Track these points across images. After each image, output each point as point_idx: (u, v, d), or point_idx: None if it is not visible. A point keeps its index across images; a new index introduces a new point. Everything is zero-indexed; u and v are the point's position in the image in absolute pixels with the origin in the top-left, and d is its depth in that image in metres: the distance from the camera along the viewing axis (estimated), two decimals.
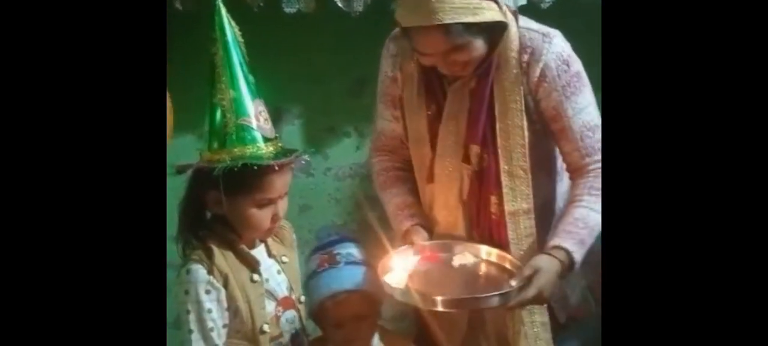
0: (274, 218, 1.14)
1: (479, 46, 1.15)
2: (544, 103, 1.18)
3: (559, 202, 1.30)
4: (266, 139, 1.11)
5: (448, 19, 1.07)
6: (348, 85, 1.99)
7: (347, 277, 1.22)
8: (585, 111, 1.18)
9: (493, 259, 1.23)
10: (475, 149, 1.21)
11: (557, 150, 1.27)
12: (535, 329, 1.23)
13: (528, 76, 1.17)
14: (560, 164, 1.29)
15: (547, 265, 1.12)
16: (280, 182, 1.13)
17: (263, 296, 1.15)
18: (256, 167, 1.07)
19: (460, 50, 1.13)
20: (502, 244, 1.24)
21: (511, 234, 1.22)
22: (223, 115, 1.09)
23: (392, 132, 1.34)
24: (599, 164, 1.16)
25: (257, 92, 1.13)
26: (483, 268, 1.22)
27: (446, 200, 1.27)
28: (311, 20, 1.82)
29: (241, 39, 1.13)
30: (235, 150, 1.08)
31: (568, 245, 1.13)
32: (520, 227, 1.22)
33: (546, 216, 1.26)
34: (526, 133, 1.18)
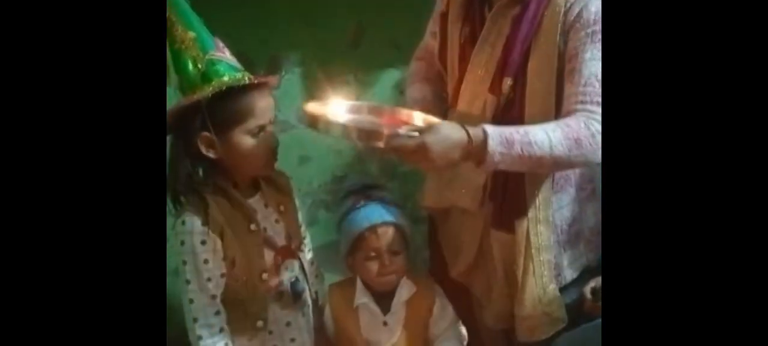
0: (270, 146, 1.15)
1: None
2: (571, 40, 1.15)
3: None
4: (238, 69, 1.13)
5: None
6: (348, 34, 1.95)
7: (385, 211, 1.28)
8: (599, 62, 1.13)
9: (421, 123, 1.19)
10: (507, 81, 1.18)
11: None
12: (542, 269, 1.22)
13: (566, 16, 1.15)
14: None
15: (448, 128, 1.06)
16: (264, 105, 1.14)
17: (261, 245, 1.15)
18: (238, 90, 1.09)
19: None
20: (517, 184, 1.21)
21: (527, 178, 1.20)
22: (191, 56, 1.10)
23: (432, 47, 1.35)
24: (588, 115, 1.10)
25: (212, 33, 1.15)
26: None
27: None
28: None
29: None
30: (213, 82, 1.09)
31: (489, 128, 1.07)
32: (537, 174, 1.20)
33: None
34: (554, 76, 1.16)
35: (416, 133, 1.05)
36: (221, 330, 1.14)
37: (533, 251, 1.21)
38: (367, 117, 1.19)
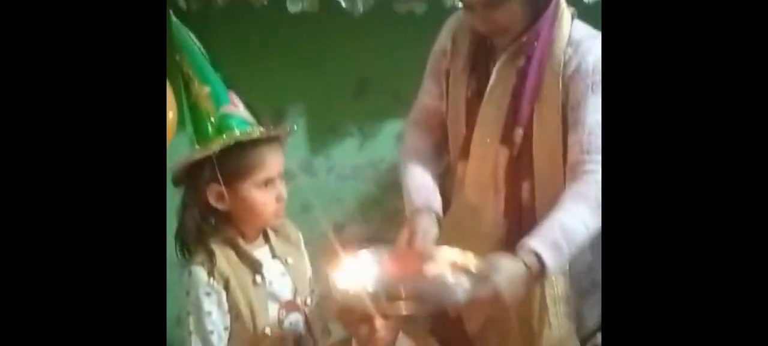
0: (278, 198, 1.16)
1: (517, 9, 1.17)
2: (572, 91, 1.18)
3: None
4: (250, 123, 1.15)
5: None
6: (351, 84, 1.99)
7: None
8: (600, 112, 1.14)
9: (460, 262, 1.14)
10: (519, 132, 1.20)
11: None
12: (559, 319, 1.22)
13: (565, 70, 1.18)
14: None
15: (507, 265, 1.06)
16: (274, 159, 1.15)
17: (266, 298, 1.15)
18: (249, 144, 1.10)
19: (498, 6, 1.16)
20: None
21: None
22: (205, 110, 1.12)
23: (434, 108, 1.35)
24: (593, 167, 1.12)
25: (228, 85, 1.17)
26: (450, 274, 1.13)
27: (480, 179, 1.26)
28: (315, 20, 1.83)
29: (198, 42, 1.17)
30: (225, 135, 1.11)
31: (535, 245, 1.07)
32: None
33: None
34: (560, 125, 1.18)
35: (464, 287, 1.03)
36: None
37: (549, 301, 1.22)
38: (390, 268, 1.15)
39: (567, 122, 1.19)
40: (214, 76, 1.15)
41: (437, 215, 1.24)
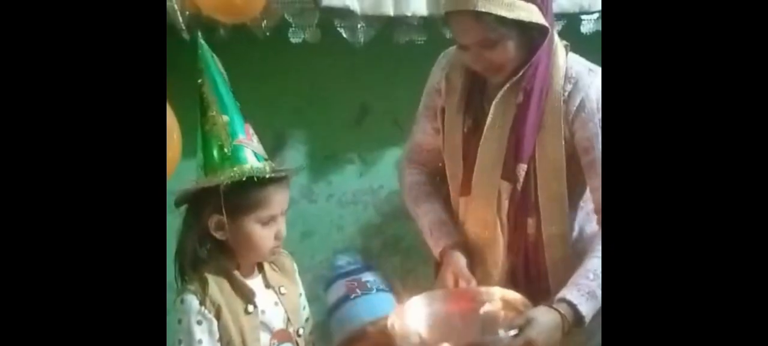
0: (277, 235, 1.16)
1: (512, 48, 1.18)
2: (579, 133, 1.19)
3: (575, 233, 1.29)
4: (262, 158, 1.15)
5: (481, 6, 1.12)
6: (351, 113, 2.01)
7: (384, 302, 1.23)
8: None
9: (511, 300, 1.18)
10: (521, 167, 1.21)
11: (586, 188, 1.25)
12: None
13: (567, 106, 1.19)
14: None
15: (543, 316, 1.09)
16: (280, 197, 1.15)
17: (257, 328, 1.15)
18: (256, 181, 1.09)
19: (493, 47, 1.16)
20: (539, 268, 1.24)
21: (548, 259, 1.22)
22: (219, 139, 1.12)
23: (429, 145, 1.37)
24: None
25: (245, 117, 1.17)
26: (501, 314, 1.17)
27: (483, 215, 1.27)
28: (316, 50, 1.85)
29: (222, 69, 1.17)
30: (235, 169, 1.10)
31: (572, 296, 1.10)
32: (558, 253, 1.22)
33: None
34: (564, 160, 1.20)
35: (515, 331, 1.07)
36: None
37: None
38: (443, 308, 1.19)
39: (577, 160, 1.19)
40: (233, 106, 1.14)
41: (463, 249, 1.27)
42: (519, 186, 1.22)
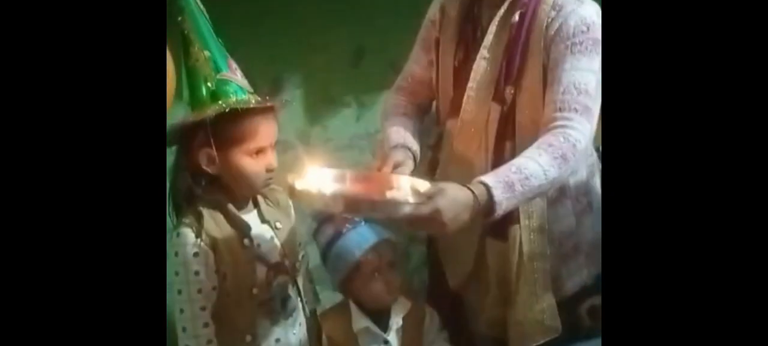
0: (268, 167, 1.17)
1: None
2: (552, 53, 1.18)
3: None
4: (246, 91, 1.16)
5: None
6: (348, 55, 1.99)
7: (373, 229, 1.28)
8: (582, 72, 1.15)
9: (421, 191, 1.12)
10: (509, 90, 1.21)
11: None
12: (536, 276, 1.24)
13: (547, 30, 1.18)
14: None
15: (453, 189, 1.05)
16: (267, 129, 1.16)
17: (253, 260, 1.17)
18: (242, 113, 1.11)
19: None
20: None
21: None
22: (203, 74, 1.13)
23: (420, 76, 1.37)
24: (564, 123, 1.12)
25: (227, 52, 1.18)
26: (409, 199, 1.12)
27: (469, 133, 1.27)
28: None
29: (201, 6, 1.17)
30: (220, 102, 1.12)
31: (489, 180, 1.07)
32: None
33: None
34: (541, 87, 1.19)
35: (410, 201, 1.03)
36: (208, 342, 1.16)
37: (526, 258, 1.23)
38: (352, 186, 1.15)
39: (546, 83, 1.19)
40: (215, 42, 1.16)
41: (414, 154, 1.27)
42: (506, 108, 1.22)
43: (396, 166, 1.22)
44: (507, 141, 1.23)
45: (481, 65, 1.24)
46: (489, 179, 1.07)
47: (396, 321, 1.31)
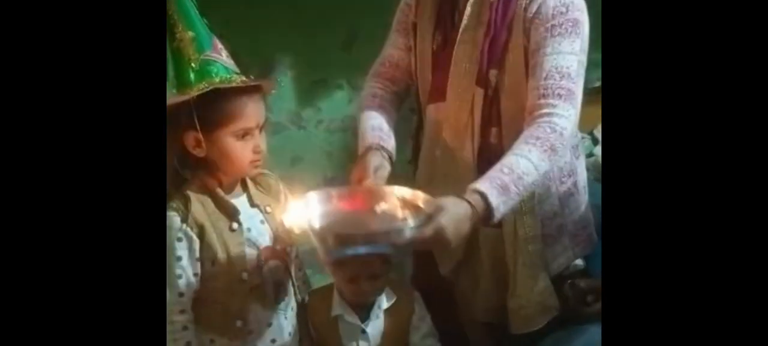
0: (255, 149, 1.16)
1: None
2: (532, 37, 1.17)
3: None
4: (231, 70, 1.14)
5: None
6: (341, 37, 1.98)
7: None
8: (563, 55, 1.14)
9: (409, 198, 1.13)
10: (494, 73, 1.20)
11: None
12: (532, 258, 1.24)
13: (526, 12, 1.17)
14: None
15: (452, 204, 1.05)
16: (254, 110, 1.15)
17: (243, 244, 1.16)
18: (227, 93, 1.10)
19: None
20: None
21: None
22: (187, 55, 1.12)
23: (397, 60, 1.36)
24: (548, 110, 1.12)
25: (218, 34, 1.16)
26: (400, 211, 1.13)
27: (455, 120, 1.26)
28: None
29: None
30: (204, 82, 1.11)
31: (483, 187, 1.06)
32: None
33: None
34: (524, 69, 1.18)
35: (410, 225, 1.03)
36: (184, 328, 1.14)
37: (521, 242, 1.23)
38: (339, 205, 1.14)
39: (528, 68, 1.18)
40: (200, 22, 1.14)
41: (389, 154, 1.25)
42: (490, 92, 1.21)
43: (375, 171, 1.20)
44: (492, 127, 1.22)
45: (460, 49, 1.22)
46: (482, 185, 1.06)
47: (377, 312, 1.28)
